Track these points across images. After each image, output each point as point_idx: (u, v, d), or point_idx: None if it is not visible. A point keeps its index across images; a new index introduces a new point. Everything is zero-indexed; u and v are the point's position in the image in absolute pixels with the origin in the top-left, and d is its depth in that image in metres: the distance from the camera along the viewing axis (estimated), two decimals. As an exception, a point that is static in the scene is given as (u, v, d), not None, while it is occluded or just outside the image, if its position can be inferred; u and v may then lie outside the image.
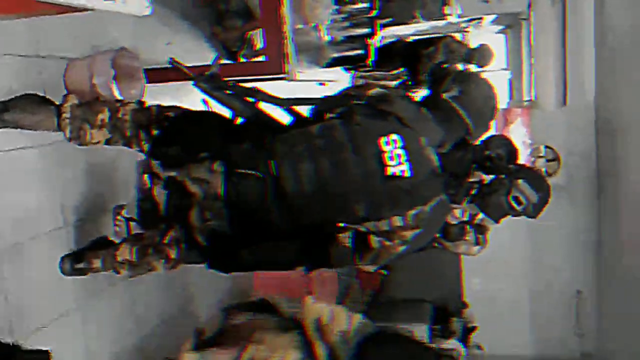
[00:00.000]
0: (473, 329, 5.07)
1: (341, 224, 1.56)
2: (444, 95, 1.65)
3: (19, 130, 1.78)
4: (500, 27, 5.90)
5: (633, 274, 3.86)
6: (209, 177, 1.56)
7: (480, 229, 2.35)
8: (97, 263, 2.03)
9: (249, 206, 1.54)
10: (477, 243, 2.35)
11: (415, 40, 4.61)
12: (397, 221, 1.54)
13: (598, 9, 4.32)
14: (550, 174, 4.86)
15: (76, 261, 2.04)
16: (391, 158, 1.53)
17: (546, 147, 4.80)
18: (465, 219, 2.46)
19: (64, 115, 1.71)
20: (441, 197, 1.59)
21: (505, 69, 6.14)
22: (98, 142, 1.75)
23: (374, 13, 3.55)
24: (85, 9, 1.03)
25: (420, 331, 4.68)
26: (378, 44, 3.75)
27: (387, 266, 5.21)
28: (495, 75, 6.13)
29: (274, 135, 1.61)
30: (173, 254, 1.88)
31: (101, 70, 2.11)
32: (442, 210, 1.65)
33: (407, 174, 1.53)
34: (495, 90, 1.73)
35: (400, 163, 1.53)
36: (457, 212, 2.41)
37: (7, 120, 1.75)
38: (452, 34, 4.64)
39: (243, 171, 1.54)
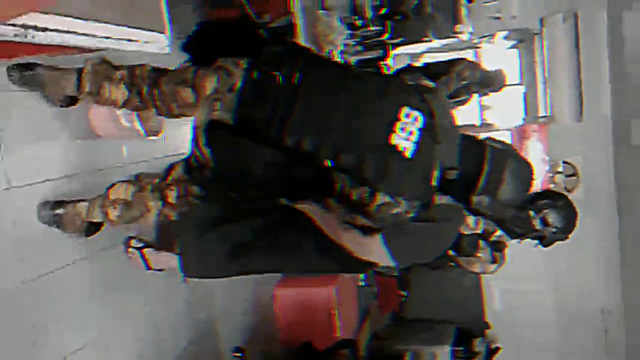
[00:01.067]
0: (497, 349, 4.97)
1: (329, 163, 1.46)
2: (487, 141, 1.58)
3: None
4: (513, 42, 5.91)
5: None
6: (232, 69, 1.55)
7: (498, 246, 2.31)
8: (82, 208, 1.93)
9: (258, 104, 1.49)
10: (493, 261, 2.31)
11: (426, 65, 4.61)
12: (364, 193, 1.48)
13: (611, 23, 4.32)
14: (570, 190, 4.81)
15: (55, 207, 1.95)
16: (402, 129, 1.44)
17: (564, 162, 4.76)
18: (479, 230, 2.41)
19: (85, 70, 1.73)
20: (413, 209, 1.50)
21: (518, 84, 6.13)
22: (116, 101, 1.74)
23: (385, 36, 3.58)
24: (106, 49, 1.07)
25: (443, 353, 4.61)
26: (392, 69, 3.77)
27: (407, 287, 5.17)
28: (509, 90, 6.12)
29: (312, 54, 1.60)
30: (172, 197, 1.77)
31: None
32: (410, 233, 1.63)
33: (407, 154, 1.43)
34: (532, 184, 1.63)
35: (408, 140, 1.43)
36: (471, 222, 2.36)
37: (29, 77, 1.78)
38: (465, 56, 4.64)
39: (267, 70, 1.50)
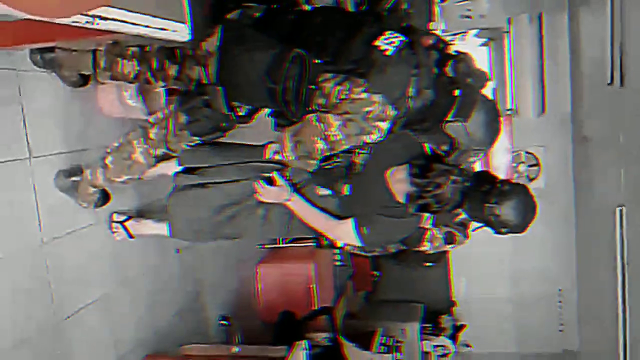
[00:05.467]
0: (462, 327, 5.34)
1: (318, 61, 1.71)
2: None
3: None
4: (484, 40, 6.23)
5: (605, 274, 4.14)
6: None
7: (461, 227, 2.48)
8: (88, 173, 2.14)
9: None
10: (450, 242, 2.46)
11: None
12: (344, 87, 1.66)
13: (572, 26, 4.68)
14: (532, 179, 5.17)
15: (72, 175, 2.16)
16: (386, 38, 1.66)
17: (527, 153, 5.12)
18: (428, 225, 2.55)
19: (99, 49, 1.96)
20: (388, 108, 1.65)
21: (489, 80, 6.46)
22: (128, 75, 1.97)
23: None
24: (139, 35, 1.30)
25: (412, 329, 4.94)
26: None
27: (380, 268, 5.48)
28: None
29: None
30: (152, 133, 2.02)
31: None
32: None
33: (388, 52, 1.64)
34: (500, 128, 1.80)
35: (391, 43, 1.64)
36: (423, 221, 2.51)
37: (49, 59, 2.01)
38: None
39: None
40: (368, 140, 1.73)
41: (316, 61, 1.71)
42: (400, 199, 1.96)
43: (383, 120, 1.66)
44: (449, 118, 1.70)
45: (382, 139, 1.72)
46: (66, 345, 2.13)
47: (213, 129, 2.04)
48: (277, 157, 2.03)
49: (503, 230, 1.98)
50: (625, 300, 3.84)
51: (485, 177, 2.04)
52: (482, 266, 5.34)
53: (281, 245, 4.44)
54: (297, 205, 2.05)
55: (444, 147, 1.81)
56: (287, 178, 2.04)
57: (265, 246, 4.38)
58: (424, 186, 1.86)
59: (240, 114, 1.98)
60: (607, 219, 3.97)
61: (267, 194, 2.03)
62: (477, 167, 2.47)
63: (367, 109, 1.63)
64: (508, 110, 5.20)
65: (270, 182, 2.04)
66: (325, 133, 1.71)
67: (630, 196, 3.63)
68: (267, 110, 2.05)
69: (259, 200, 2.08)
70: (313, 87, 1.71)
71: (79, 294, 2.24)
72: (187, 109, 1.97)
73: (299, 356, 2.40)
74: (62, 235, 2.16)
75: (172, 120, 2.01)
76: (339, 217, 2.06)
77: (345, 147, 1.76)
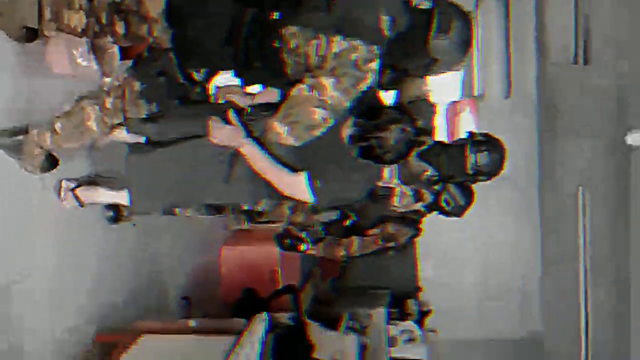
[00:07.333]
0: (428, 312, 5.33)
1: (276, 15, 1.63)
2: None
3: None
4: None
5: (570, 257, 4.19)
6: None
7: (429, 185, 2.49)
8: (34, 133, 2.00)
9: None
10: (419, 200, 2.48)
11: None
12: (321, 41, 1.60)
13: (539, 8, 4.73)
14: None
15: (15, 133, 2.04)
16: None
17: (493, 137, 5.13)
18: (393, 184, 2.48)
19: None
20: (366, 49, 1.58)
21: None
22: (75, 28, 1.83)
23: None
24: None
25: (378, 313, 4.90)
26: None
27: (347, 255, 5.42)
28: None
29: None
30: (108, 102, 1.91)
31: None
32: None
33: None
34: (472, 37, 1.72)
35: None
36: (386, 175, 2.41)
37: None
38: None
39: None
40: (364, 88, 1.66)
41: (274, 16, 1.63)
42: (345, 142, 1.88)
43: (372, 60, 1.61)
44: (431, 37, 1.61)
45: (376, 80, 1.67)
46: (10, 315, 2.01)
47: (169, 97, 1.94)
48: (228, 97, 1.96)
49: (480, 178, 2.14)
50: (587, 281, 3.90)
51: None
52: (448, 253, 5.35)
53: (246, 227, 4.35)
54: (250, 151, 1.88)
55: (425, 61, 1.71)
56: (244, 122, 1.91)
57: (230, 227, 4.29)
58: (366, 128, 1.79)
59: (198, 79, 1.89)
60: (569, 200, 4.02)
61: (219, 132, 1.88)
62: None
63: (354, 56, 1.58)
64: (475, 95, 5.23)
65: (225, 121, 1.90)
66: (322, 98, 1.62)
67: (593, 174, 3.68)
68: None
69: (221, 159, 1.95)
70: (277, 44, 1.63)
71: (23, 264, 2.12)
72: (141, 76, 1.88)
73: (258, 329, 2.32)
74: (6, 200, 2.03)
75: (128, 88, 1.90)
76: (294, 170, 1.93)
77: (347, 104, 1.67)
